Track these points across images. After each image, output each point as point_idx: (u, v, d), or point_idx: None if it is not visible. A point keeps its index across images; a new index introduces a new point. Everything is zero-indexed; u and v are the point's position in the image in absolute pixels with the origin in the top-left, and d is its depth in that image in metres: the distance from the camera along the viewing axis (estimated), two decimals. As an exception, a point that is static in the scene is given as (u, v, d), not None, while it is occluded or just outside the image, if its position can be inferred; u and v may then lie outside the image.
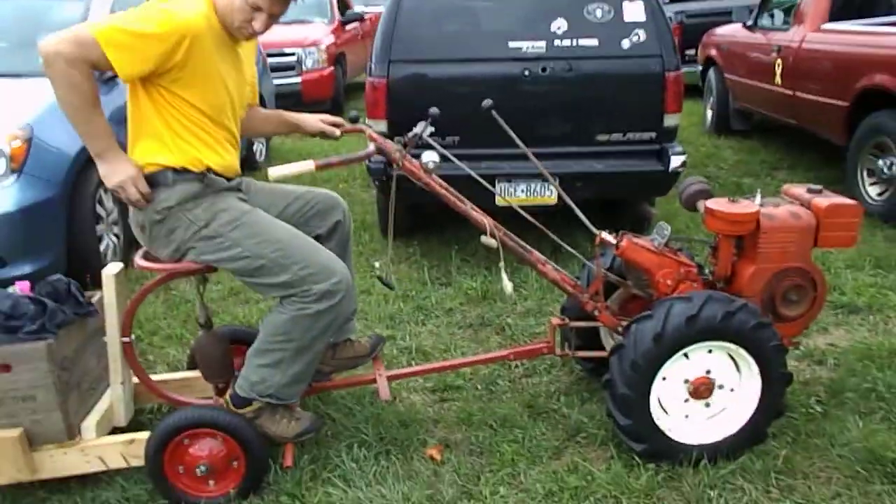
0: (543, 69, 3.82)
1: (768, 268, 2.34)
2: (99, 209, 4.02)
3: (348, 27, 10.60)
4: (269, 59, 7.67)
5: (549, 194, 3.84)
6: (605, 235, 2.46)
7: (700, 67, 7.97)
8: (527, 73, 3.81)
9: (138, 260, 2.28)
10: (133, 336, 2.38)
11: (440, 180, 2.41)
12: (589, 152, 3.89)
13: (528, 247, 2.47)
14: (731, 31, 7.17)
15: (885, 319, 3.29)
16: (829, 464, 2.30)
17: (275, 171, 2.14)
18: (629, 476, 2.24)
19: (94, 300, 2.48)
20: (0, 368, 2.18)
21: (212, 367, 2.44)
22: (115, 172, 2.07)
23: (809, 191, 2.45)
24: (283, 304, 2.14)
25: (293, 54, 8.97)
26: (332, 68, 9.42)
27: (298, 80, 8.95)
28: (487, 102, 2.46)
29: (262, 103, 6.71)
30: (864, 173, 4.83)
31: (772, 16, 6.46)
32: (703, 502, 2.14)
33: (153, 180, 2.13)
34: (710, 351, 2.26)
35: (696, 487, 2.19)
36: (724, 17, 8.06)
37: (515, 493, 2.24)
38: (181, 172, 2.12)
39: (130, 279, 3.24)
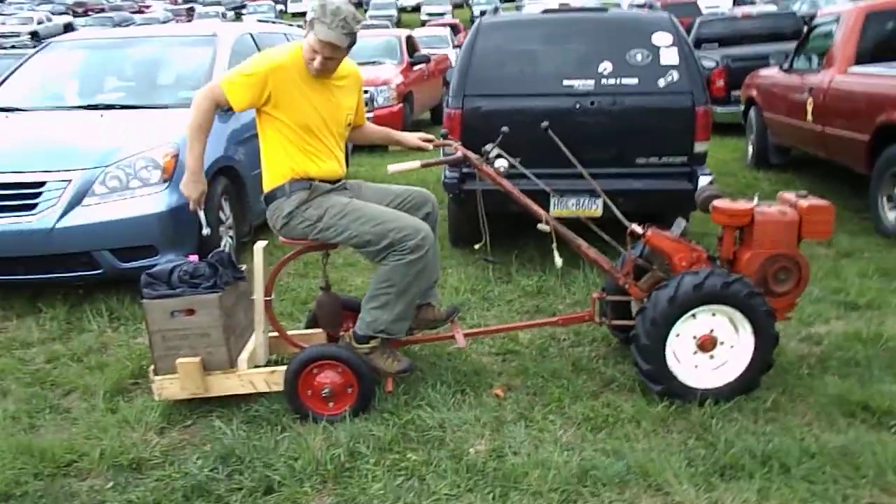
0: (592, 103, 4.57)
1: (761, 253, 3.01)
2: (220, 214, 4.91)
3: (415, 68, 11.51)
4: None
5: (594, 208, 4.54)
6: (635, 227, 3.17)
7: (743, 107, 8.58)
8: (578, 106, 4.57)
9: (281, 238, 3.10)
10: (273, 296, 3.19)
11: (508, 182, 3.17)
12: (629, 173, 4.60)
13: (574, 235, 3.19)
14: (770, 74, 7.78)
15: (880, 315, 3.87)
16: (806, 406, 2.93)
17: (392, 167, 2.95)
18: (648, 408, 2.92)
19: (244, 268, 3.31)
20: (187, 312, 3.00)
21: (326, 318, 3.25)
22: (188, 183, 2.96)
23: (797, 195, 3.13)
24: (385, 260, 2.90)
25: (367, 92, 9.94)
26: (401, 105, 10.33)
27: (371, 115, 9.90)
28: (545, 124, 3.22)
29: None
30: (885, 199, 5.39)
31: (807, 59, 7.08)
32: (706, 427, 2.79)
33: (276, 193, 2.99)
34: (713, 314, 2.93)
35: (701, 417, 2.85)
36: (765, 60, 8.69)
37: (560, 418, 2.93)
38: (294, 182, 2.95)
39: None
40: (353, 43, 2.88)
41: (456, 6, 43.71)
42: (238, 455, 2.71)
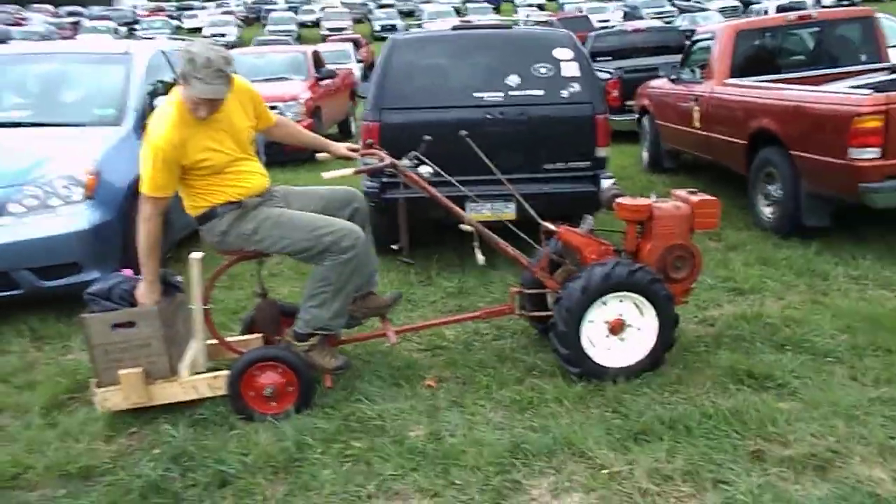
0: (501, 113, 4.91)
1: (660, 244, 3.38)
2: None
3: (322, 83, 11.65)
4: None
5: (509, 211, 4.86)
6: (549, 225, 3.48)
7: (636, 115, 9.19)
8: (488, 116, 4.89)
9: (215, 248, 3.23)
10: (210, 305, 3.32)
11: (432, 188, 3.42)
12: (538, 178, 4.95)
13: (493, 234, 3.47)
14: (660, 84, 8.38)
15: (761, 298, 4.35)
16: (703, 377, 3.32)
17: (326, 175, 3.15)
18: (568, 388, 3.23)
19: (180, 280, 3.41)
20: (128, 325, 3.09)
21: (266, 322, 3.41)
22: (148, 294, 3.09)
23: (688, 192, 3.53)
24: (322, 262, 3.09)
25: (275, 108, 9.98)
26: (310, 120, 10.42)
27: (281, 130, 9.97)
28: (463, 132, 3.50)
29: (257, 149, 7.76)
30: (761, 197, 5.97)
31: (691, 71, 7.70)
32: (620, 401, 3.12)
33: (208, 215, 3.11)
34: (620, 301, 3.27)
35: (615, 393, 3.17)
36: (655, 72, 9.33)
37: (489, 402, 3.20)
38: (224, 206, 3.10)
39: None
40: (230, 84, 2.95)
41: (356, 21, 43.90)
42: (189, 454, 2.83)
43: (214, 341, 3.40)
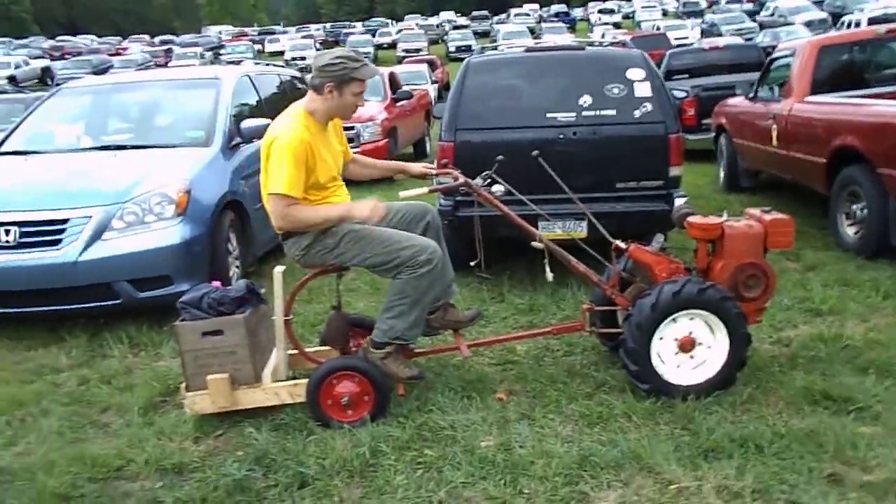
0: (574, 133, 4.97)
1: (731, 263, 3.38)
2: (228, 246, 5.22)
3: (398, 104, 11.92)
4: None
5: (580, 230, 4.91)
6: (619, 243, 3.53)
7: (713, 134, 9.07)
8: (561, 136, 4.97)
9: (297, 263, 3.42)
10: (291, 316, 3.50)
11: (504, 206, 3.53)
12: (611, 196, 4.98)
13: (565, 252, 3.54)
14: (737, 102, 8.27)
15: (840, 319, 4.25)
16: (777, 397, 3.28)
17: (403, 194, 3.30)
18: (638, 404, 3.25)
19: (263, 292, 3.62)
20: (216, 333, 3.31)
21: (334, 334, 3.57)
22: (362, 209, 3.17)
23: (762, 211, 3.51)
24: (400, 275, 3.24)
25: (353, 128, 10.28)
26: (386, 140, 10.72)
27: (358, 149, 10.23)
28: (535, 152, 3.59)
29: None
30: (843, 216, 5.82)
31: (770, 89, 7.58)
32: (689, 418, 3.13)
33: (293, 231, 3.28)
34: (691, 318, 3.28)
35: (685, 410, 3.18)
36: (732, 90, 9.19)
37: (559, 416, 3.26)
38: None
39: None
40: None
41: (432, 42, 44.68)
42: (271, 456, 3.00)
43: (295, 351, 3.58)
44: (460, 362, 3.82)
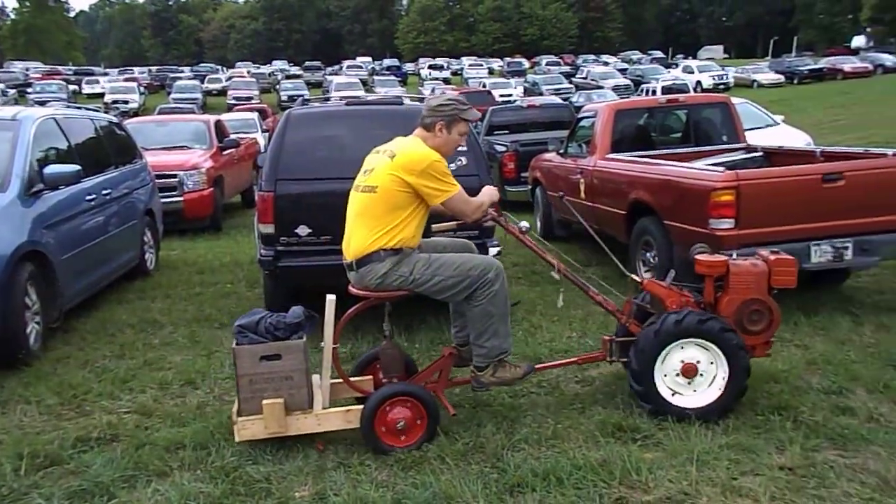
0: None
1: (737, 298, 3.62)
2: (26, 300, 4.82)
3: (225, 152, 11.66)
4: (157, 181, 8.58)
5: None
6: (634, 277, 3.80)
7: (530, 186, 9.67)
8: (380, 188, 5.10)
9: (352, 288, 3.47)
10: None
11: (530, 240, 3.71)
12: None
13: (584, 282, 3.77)
14: (550, 157, 8.90)
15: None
16: (578, 432, 3.54)
17: (436, 226, 3.77)
18: (451, 446, 3.37)
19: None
20: (274, 357, 3.23)
21: (390, 365, 3.59)
22: (493, 194, 3.69)
23: (770, 251, 3.77)
24: (475, 300, 3.36)
25: (175, 176, 9.88)
26: (212, 189, 10.39)
27: (181, 198, 9.86)
28: (560, 194, 3.70)
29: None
30: (641, 263, 6.40)
31: (578, 146, 8.23)
32: (499, 457, 3.29)
33: (371, 258, 3.36)
34: (694, 347, 3.52)
35: (495, 449, 3.35)
36: (547, 146, 9.87)
37: (375, 462, 3.29)
38: (388, 251, 3.36)
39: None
40: None
41: (263, 91, 44.18)
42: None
43: (339, 380, 3.59)
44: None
